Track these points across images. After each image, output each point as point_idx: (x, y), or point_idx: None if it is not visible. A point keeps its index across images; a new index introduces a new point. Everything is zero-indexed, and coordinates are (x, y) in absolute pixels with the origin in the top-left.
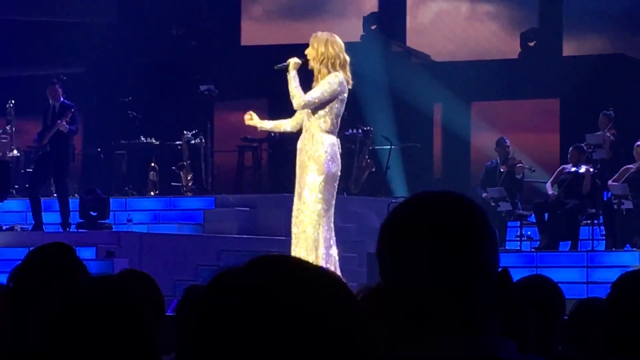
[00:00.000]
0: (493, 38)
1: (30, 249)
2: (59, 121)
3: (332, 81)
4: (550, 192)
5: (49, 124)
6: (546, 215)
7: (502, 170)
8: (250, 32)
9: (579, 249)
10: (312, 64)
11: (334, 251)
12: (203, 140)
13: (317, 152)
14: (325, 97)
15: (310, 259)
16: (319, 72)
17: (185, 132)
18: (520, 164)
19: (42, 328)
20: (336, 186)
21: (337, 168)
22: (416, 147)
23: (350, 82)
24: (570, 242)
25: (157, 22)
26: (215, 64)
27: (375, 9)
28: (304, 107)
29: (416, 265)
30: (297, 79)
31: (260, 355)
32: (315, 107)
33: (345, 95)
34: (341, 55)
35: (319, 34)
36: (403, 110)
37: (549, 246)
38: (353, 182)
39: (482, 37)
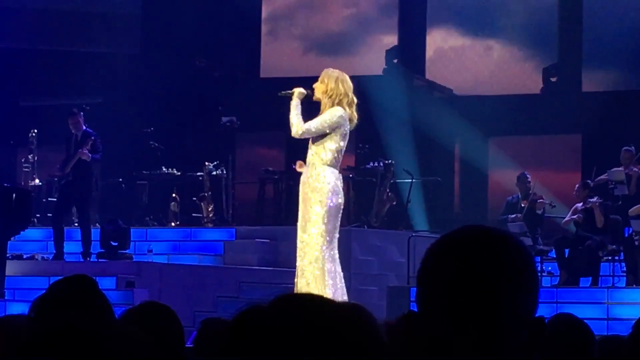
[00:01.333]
0: (515, 73)
1: (51, 278)
2: (81, 150)
3: (333, 114)
4: (568, 218)
5: (72, 154)
6: (567, 251)
7: (522, 205)
8: (271, 64)
9: (599, 285)
10: (320, 97)
11: (340, 282)
12: (224, 172)
13: (320, 185)
14: (325, 127)
15: (315, 291)
16: (325, 106)
17: (206, 163)
18: (542, 200)
19: None
20: (339, 217)
21: (340, 201)
22: (437, 181)
23: (355, 120)
24: (590, 278)
25: (180, 53)
26: (237, 96)
27: (396, 43)
28: (301, 135)
29: (449, 304)
30: (299, 108)
31: None
32: (316, 140)
33: (347, 130)
34: (349, 95)
35: (330, 70)
36: (424, 144)
37: (569, 282)
38: (374, 215)
39: (504, 72)
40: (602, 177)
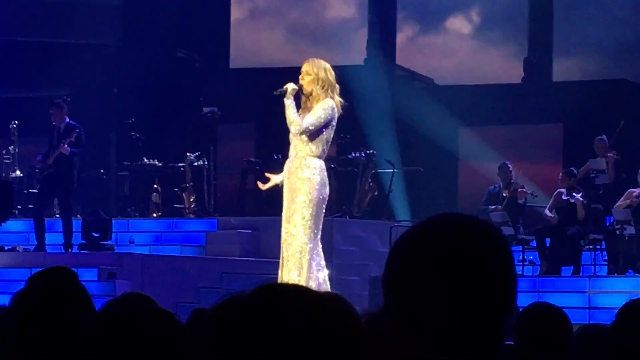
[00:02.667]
0: (497, 63)
1: (32, 269)
2: (62, 143)
3: (326, 107)
4: (549, 215)
5: (54, 145)
6: (548, 240)
7: (504, 194)
8: (251, 54)
9: (581, 275)
10: (310, 88)
11: (325, 273)
12: (206, 162)
13: (308, 176)
14: (321, 122)
15: (299, 282)
16: (318, 97)
17: (188, 154)
18: (523, 189)
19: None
20: (324, 208)
21: (326, 192)
22: (419, 171)
23: (340, 109)
24: (572, 267)
25: (161, 44)
26: (218, 87)
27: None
28: (302, 133)
29: (441, 289)
30: (294, 105)
31: None
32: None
33: (335, 121)
34: (336, 84)
35: (316, 60)
36: (406, 134)
37: (550, 272)
38: (356, 205)
39: (485, 61)
40: (584, 168)
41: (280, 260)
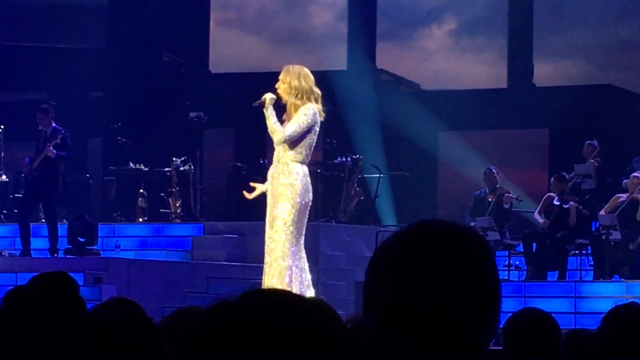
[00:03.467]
0: (482, 68)
1: (18, 274)
2: (47, 146)
3: (307, 113)
4: (540, 221)
5: (40, 149)
6: (534, 245)
7: (490, 199)
8: (235, 58)
9: (567, 279)
10: (285, 98)
11: (308, 278)
12: (192, 167)
13: (291, 182)
14: (303, 129)
15: (282, 287)
16: (292, 106)
17: (174, 158)
18: (508, 194)
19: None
20: (307, 214)
21: (309, 197)
22: (405, 176)
23: (323, 113)
24: (558, 272)
25: (147, 49)
26: (203, 91)
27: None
28: (285, 142)
29: (424, 290)
30: (274, 115)
31: None
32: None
33: (318, 126)
34: (314, 90)
35: (291, 67)
36: (392, 139)
37: (536, 276)
38: (342, 210)
39: (471, 67)
40: (573, 174)
41: (264, 265)
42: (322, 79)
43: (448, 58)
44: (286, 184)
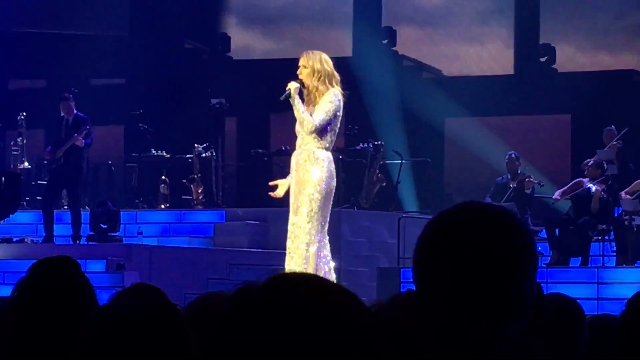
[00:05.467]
0: (505, 53)
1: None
2: (76, 135)
3: (333, 100)
4: (557, 196)
5: (63, 137)
6: (557, 231)
7: (512, 186)
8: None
9: (589, 265)
10: (308, 82)
11: (331, 265)
12: (214, 154)
13: (317, 169)
14: (331, 115)
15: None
16: (317, 89)
17: (196, 145)
18: (530, 179)
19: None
20: (332, 200)
21: (334, 184)
22: (427, 162)
23: (344, 98)
24: (580, 258)
25: (169, 35)
26: (226, 78)
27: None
28: (315, 131)
29: (459, 280)
30: (301, 104)
31: None
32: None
33: (342, 110)
34: (335, 73)
35: (310, 52)
36: (414, 125)
37: (559, 262)
38: (364, 196)
39: (493, 52)
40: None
41: (287, 252)
42: (344, 65)
43: (469, 44)
44: (312, 171)
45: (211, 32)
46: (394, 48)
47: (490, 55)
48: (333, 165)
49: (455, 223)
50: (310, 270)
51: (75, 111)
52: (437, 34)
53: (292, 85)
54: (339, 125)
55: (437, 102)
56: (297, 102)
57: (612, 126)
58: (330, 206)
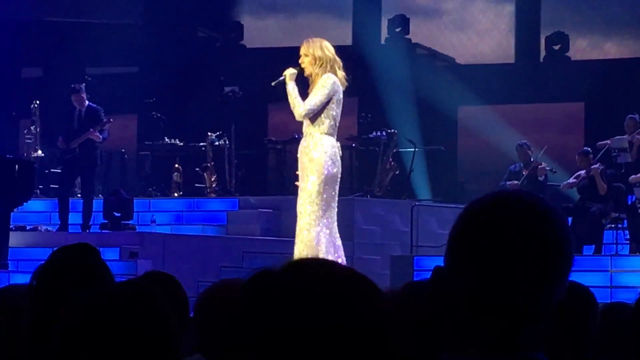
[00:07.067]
0: (518, 42)
1: (54, 249)
2: (92, 130)
3: (325, 84)
4: (571, 180)
5: (76, 128)
6: (570, 219)
7: (524, 173)
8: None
9: (602, 253)
10: (310, 70)
11: (340, 252)
12: (227, 142)
13: (317, 154)
14: (323, 100)
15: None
16: (318, 76)
17: (209, 133)
18: (542, 166)
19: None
20: (337, 188)
21: (337, 169)
22: (440, 150)
23: (345, 82)
24: (594, 246)
25: (182, 23)
26: (239, 66)
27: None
28: (306, 116)
29: (486, 267)
30: (296, 90)
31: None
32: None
33: (340, 95)
34: (337, 58)
35: (310, 40)
36: (427, 113)
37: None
38: (377, 184)
39: (506, 40)
40: (604, 142)
41: (296, 236)
42: (357, 52)
43: (482, 31)
44: (312, 157)
45: (224, 20)
46: (407, 36)
47: (503, 43)
48: (336, 150)
49: (493, 215)
50: (313, 255)
51: (87, 102)
52: (448, 22)
53: (288, 72)
54: (339, 110)
55: (451, 90)
56: (291, 88)
57: (636, 114)
58: (335, 192)
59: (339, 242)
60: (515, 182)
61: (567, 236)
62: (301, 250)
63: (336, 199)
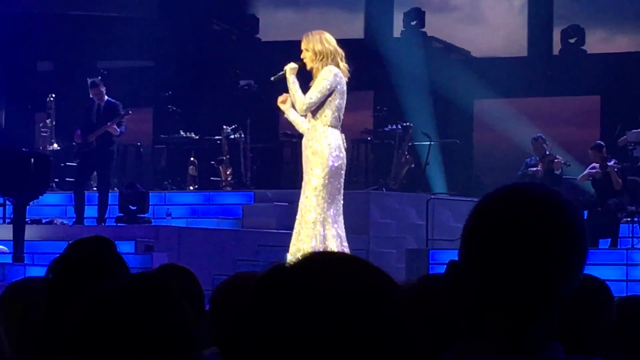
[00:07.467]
0: (529, 34)
1: (70, 242)
2: (110, 123)
3: (326, 76)
4: (590, 170)
5: (94, 122)
6: (585, 212)
7: (540, 167)
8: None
9: (618, 247)
10: (311, 64)
11: (345, 244)
12: (242, 135)
13: (321, 146)
14: (325, 92)
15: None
16: (319, 70)
17: (224, 126)
18: (557, 159)
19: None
20: (342, 180)
21: (341, 162)
22: (456, 143)
23: (347, 73)
24: (609, 239)
25: (198, 17)
26: (254, 59)
27: (415, 5)
28: (307, 109)
29: (493, 265)
30: (297, 84)
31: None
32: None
33: (344, 87)
34: (338, 50)
35: (310, 34)
36: (443, 107)
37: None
38: (392, 178)
39: (522, 33)
40: (623, 138)
41: (294, 231)
42: (369, 46)
43: (498, 25)
44: (316, 149)
45: (239, 14)
46: (423, 29)
47: (516, 36)
48: (340, 142)
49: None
50: (323, 248)
51: (106, 97)
52: (462, 15)
53: (289, 66)
54: (342, 101)
55: (466, 84)
56: (291, 83)
57: None
58: (341, 185)
59: (343, 233)
60: (538, 168)
61: (579, 228)
62: (304, 242)
63: (342, 191)
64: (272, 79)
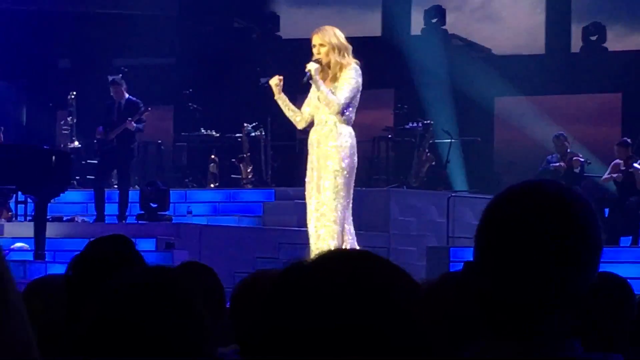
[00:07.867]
0: (548, 31)
1: (91, 240)
2: (129, 120)
3: (355, 75)
4: (612, 175)
5: (115, 120)
6: (606, 210)
7: (562, 164)
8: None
9: (639, 245)
10: (327, 58)
11: (356, 244)
12: (263, 133)
13: (340, 144)
14: (355, 90)
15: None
16: (339, 64)
17: (245, 124)
18: (578, 157)
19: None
20: (354, 176)
21: (356, 160)
22: (476, 141)
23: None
24: (631, 237)
25: (218, 14)
26: (275, 57)
27: (436, 3)
28: (342, 108)
29: (501, 267)
30: (323, 84)
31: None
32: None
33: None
34: (347, 44)
35: (322, 29)
36: (463, 104)
37: (609, 242)
38: (413, 175)
39: (541, 30)
40: None
41: (311, 233)
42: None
43: (519, 22)
44: (335, 146)
45: (260, 11)
46: (444, 27)
47: (535, 33)
48: (355, 141)
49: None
50: (341, 246)
51: (127, 95)
52: (483, 13)
53: (312, 67)
54: (358, 99)
55: (487, 81)
56: (320, 84)
57: None
58: (353, 183)
59: (353, 230)
60: (560, 164)
61: (590, 225)
62: (325, 242)
63: (353, 187)
64: (302, 82)
